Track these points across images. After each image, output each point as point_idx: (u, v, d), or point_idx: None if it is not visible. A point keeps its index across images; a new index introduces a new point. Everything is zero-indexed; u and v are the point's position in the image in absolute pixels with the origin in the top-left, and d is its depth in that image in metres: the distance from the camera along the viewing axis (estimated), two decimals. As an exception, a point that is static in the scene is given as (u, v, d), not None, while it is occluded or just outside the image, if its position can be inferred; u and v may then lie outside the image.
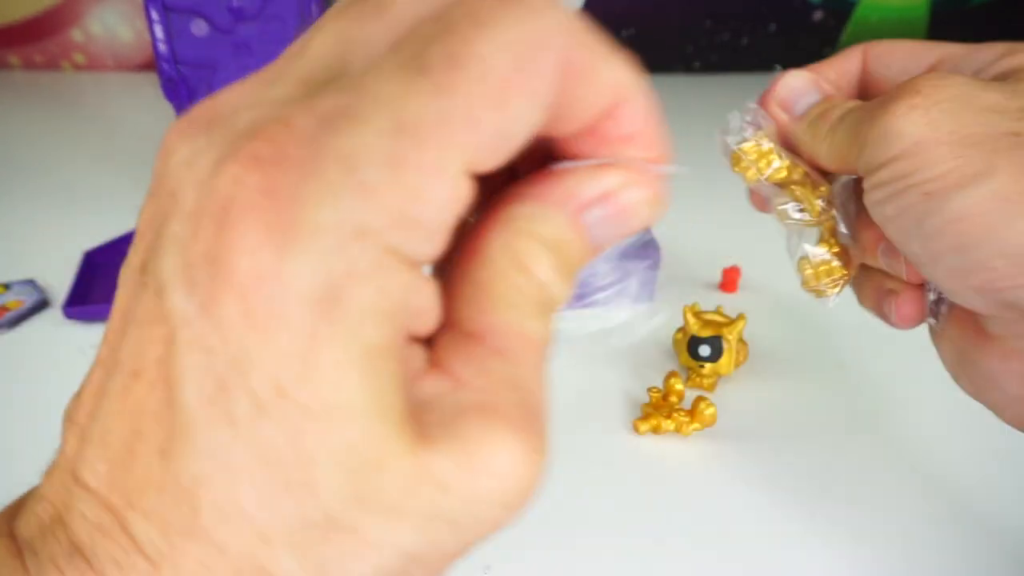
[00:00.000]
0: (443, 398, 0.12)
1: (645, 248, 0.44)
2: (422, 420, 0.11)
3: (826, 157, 0.23)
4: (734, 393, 0.37)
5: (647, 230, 0.46)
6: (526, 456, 0.13)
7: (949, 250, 0.19)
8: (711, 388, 0.37)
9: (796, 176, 0.25)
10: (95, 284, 0.47)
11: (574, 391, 0.37)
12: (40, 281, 0.47)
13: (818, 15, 1.03)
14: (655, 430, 0.34)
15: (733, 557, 0.28)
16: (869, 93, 0.25)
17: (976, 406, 0.23)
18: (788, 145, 0.25)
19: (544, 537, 0.29)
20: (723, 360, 0.37)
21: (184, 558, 0.11)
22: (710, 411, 0.33)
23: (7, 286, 0.46)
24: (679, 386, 0.35)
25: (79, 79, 0.99)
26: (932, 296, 0.24)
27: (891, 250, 0.23)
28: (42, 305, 0.45)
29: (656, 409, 0.35)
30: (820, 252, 0.26)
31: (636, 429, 0.34)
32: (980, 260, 0.19)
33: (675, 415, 0.34)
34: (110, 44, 1.01)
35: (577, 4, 1.03)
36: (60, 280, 0.47)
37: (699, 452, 0.33)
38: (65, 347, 0.41)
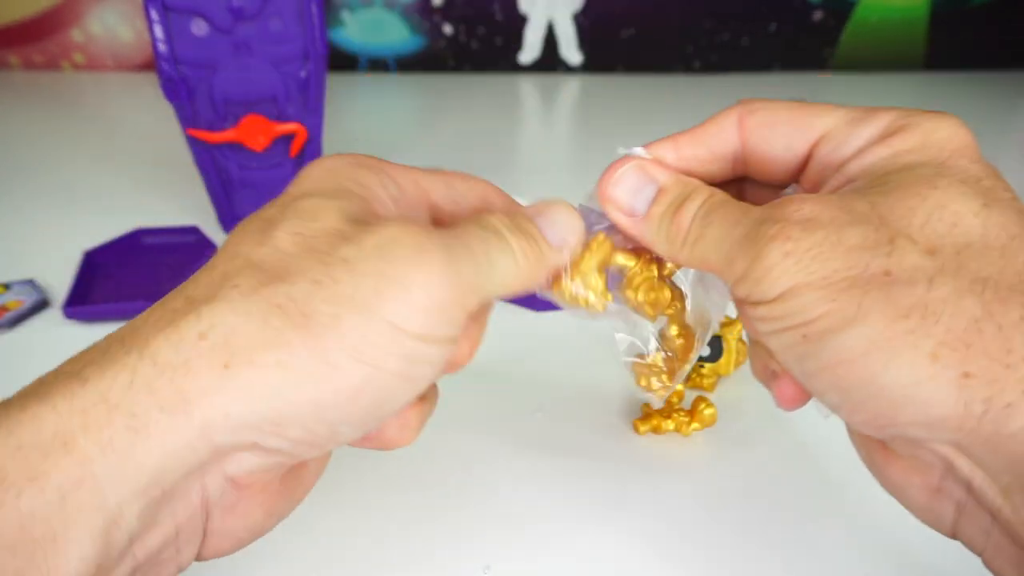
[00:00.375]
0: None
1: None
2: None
3: (691, 264, 0.23)
4: (734, 393, 0.37)
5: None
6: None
7: (830, 389, 0.19)
8: (711, 388, 0.37)
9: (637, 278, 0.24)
10: (95, 284, 0.47)
11: (574, 391, 0.37)
12: (40, 281, 0.47)
13: (818, 15, 1.03)
14: (655, 430, 0.34)
15: (733, 557, 0.28)
16: (749, 170, 0.24)
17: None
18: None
19: (544, 537, 0.29)
20: (723, 360, 0.37)
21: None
22: (709, 411, 0.33)
23: (7, 286, 0.46)
24: (679, 386, 0.35)
25: (79, 79, 0.99)
26: None
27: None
28: (42, 305, 0.45)
29: (656, 409, 0.35)
30: (653, 353, 0.25)
31: (636, 429, 0.34)
32: (860, 401, 0.19)
33: (675, 415, 0.34)
34: (110, 44, 1.01)
35: (577, 4, 1.03)
36: (60, 280, 0.47)
37: (699, 452, 0.33)
38: (65, 347, 0.41)
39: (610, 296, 0.24)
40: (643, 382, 0.26)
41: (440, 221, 0.24)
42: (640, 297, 0.24)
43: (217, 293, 0.18)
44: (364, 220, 0.20)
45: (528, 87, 1.00)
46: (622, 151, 0.24)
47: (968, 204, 0.20)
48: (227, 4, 0.46)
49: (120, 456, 0.17)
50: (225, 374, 0.17)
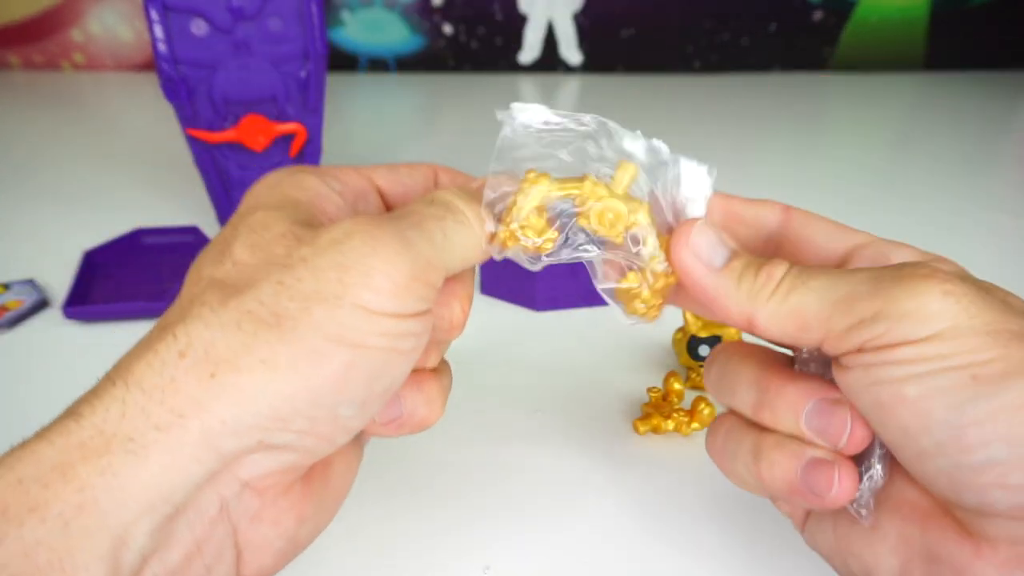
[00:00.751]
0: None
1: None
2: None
3: (772, 319, 0.21)
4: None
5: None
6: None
7: (997, 438, 0.18)
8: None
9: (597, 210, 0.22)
10: (95, 284, 0.47)
11: (574, 391, 0.37)
12: (40, 281, 0.47)
13: (818, 15, 1.03)
14: (655, 430, 0.34)
15: (733, 557, 0.28)
16: (782, 251, 0.24)
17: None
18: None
19: (544, 537, 0.29)
20: (723, 360, 0.37)
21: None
22: (709, 411, 0.34)
23: (7, 286, 0.46)
24: (678, 386, 0.35)
25: (79, 79, 0.99)
26: (865, 484, 0.21)
27: (834, 410, 0.21)
28: (42, 305, 0.45)
29: (656, 409, 0.35)
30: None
31: (636, 429, 0.34)
32: (1017, 460, 0.18)
33: (675, 415, 0.34)
34: (110, 44, 1.01)
35: (577, 4, 1.03)
36: (60, 280, 0.47)
37: (699, 452, 0.33)
38: (65, 347, 0.41)
39: (555, 233, 0.23)
40: (630, 308, 0.24)
41: (390, 206, 0.25)
42: (594, 222, 0.23)
43: (188, 314, 0.19)
44: (314, 222, 0.21)
45: (528, 87, 1.00)
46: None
47: None
48: (227, 4, 0.46)
49: (120, 479, 0.17)
50: (213, 383, 0.18)
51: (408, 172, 0.25)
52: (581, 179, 0.23)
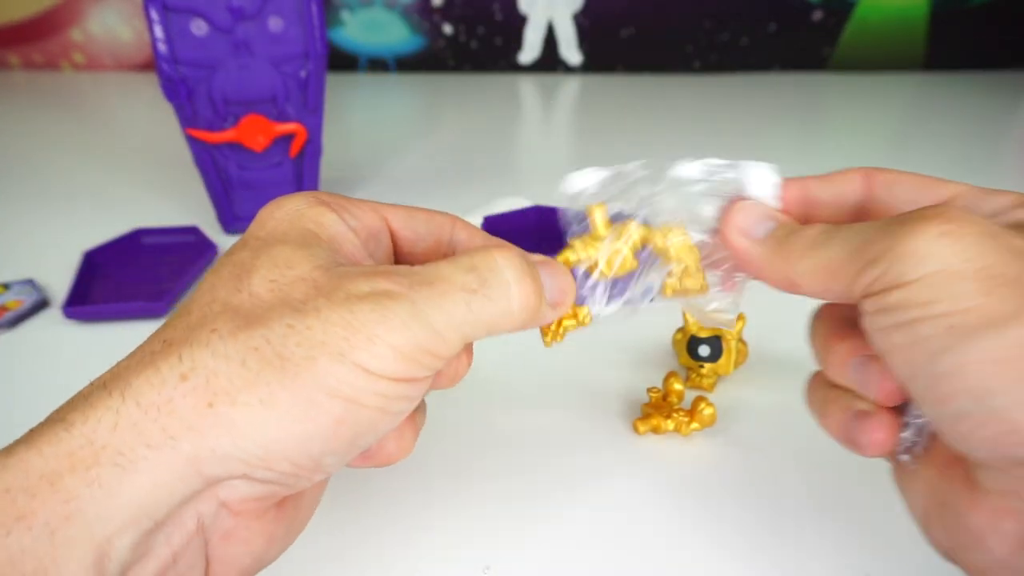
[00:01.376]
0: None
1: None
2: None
3: (806, 274, 0.22)
4: (734, 393, 0.37)
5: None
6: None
7: (965, 392, 0.17)
8: (711, 388, 0.37)
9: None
10: (95, 284, 0.47)
11: (573, 391, 0.37)
12: (40, 281, 0.47)
13: (818, 15, 1.03)
14: (655, 430, 0.34)
15: (733, 556, 0.28)
16: (871, 217, 0.24)
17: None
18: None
19: (544, 537, 0.29)
20: (723, 360, 0.37)
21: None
22: (709, 411, 0.33)
23: (7, 286, 0.46)
24: (678, 386, 0.35)
25: (79, 79, 0.99)
26: (909, 431, 0.22)
27: (867, 365, 0.22)
28: (42, 305, 0.45)
29: (656, 409, 0.35)
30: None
31: (636, 429, 0.34)
32: (1001, 409, 0.17)
33: (675, 415, 0.34)
34: (110, 44, 1.01)
35: (577, 4, 1.03)
36: (60, 280, 0.47)
37: (699, 452, 0.33)
38: (65, 347, 0.41)
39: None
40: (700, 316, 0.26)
41: (400, 251, 0.25)
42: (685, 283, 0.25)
43: (196, 336, 0.19)
44: (333, 265, 0.21)
45: (528, 87, 1.00)
46: (771, 177, 0.25)
47: None
48: (227, 4, 0.46)
49: (107, 492, 0.17)
50: (209, 412, 0.18)
51: (426, 219, 0.25)
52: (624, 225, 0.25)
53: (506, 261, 0.21)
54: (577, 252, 0.25)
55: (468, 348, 0.24)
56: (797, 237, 0.22)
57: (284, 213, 0.22)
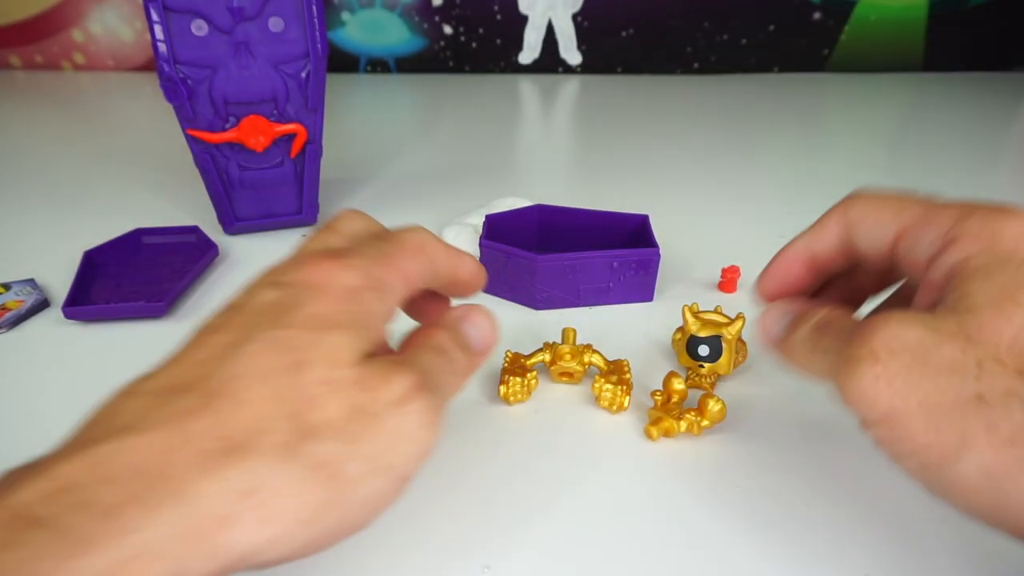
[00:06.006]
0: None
1: (644, 248, 0.44)
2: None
3: (815, 375, 0.24)
4: (733, 393, 0.37)
5: (647, 229, 0.46)
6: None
7: (962, 506, 0.20)
8: (710, 388, 0.37)
9: None
10: (95, 284, 0.47)
11: (573, 390, 0.37)
12: (40, 281, 0.47)
13: (817, 15, 1.03)
14: (667, 433, 0.33)
15: (734, 556, 0.28)
16: (860, 259, 0.27)
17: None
18: None
19: (544, 537, 0.29)
20: (722, 360, 0.37)
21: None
22: (718, 407, 0.33)
23: (7, 286, 0.46)
24: (680, 385, 0.35)
25: (79, 79, 0.99)
26: None
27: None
28: (42, 305, 0.45)
29: (665, 411, 0.34)
30: None
31: (649, 435, 0.33)
32: (998, 519, 0.19)
33: (686, 416, 0.33)
34: (110, 44, 1.01)
35: (577, 5, 1.03)
36: (60, 280, 0.48)
37: (701, 450, 0.33)
38: (65, 347, 0.41)
39: None
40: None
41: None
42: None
43: (256, 444, 0.19)
44: (373, 352, 0.22)
45: (528, 87, 1.00)
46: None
47: None
48: (227, 4, 0.46)
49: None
50: (260, 528, 0.18)
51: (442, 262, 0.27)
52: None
53: (445, 340, 0.25)
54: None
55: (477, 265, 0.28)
56: (790, 343, 0.25)
57: (341, 289, 0.22)
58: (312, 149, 0.52)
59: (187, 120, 0.48)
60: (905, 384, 0.19)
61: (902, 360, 0.20)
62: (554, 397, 0.37)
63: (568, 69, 1.06)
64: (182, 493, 0.18)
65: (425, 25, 1.01)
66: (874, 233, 0.25)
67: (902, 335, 0.20)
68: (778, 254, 0.29)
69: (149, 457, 0.18)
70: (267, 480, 0.19)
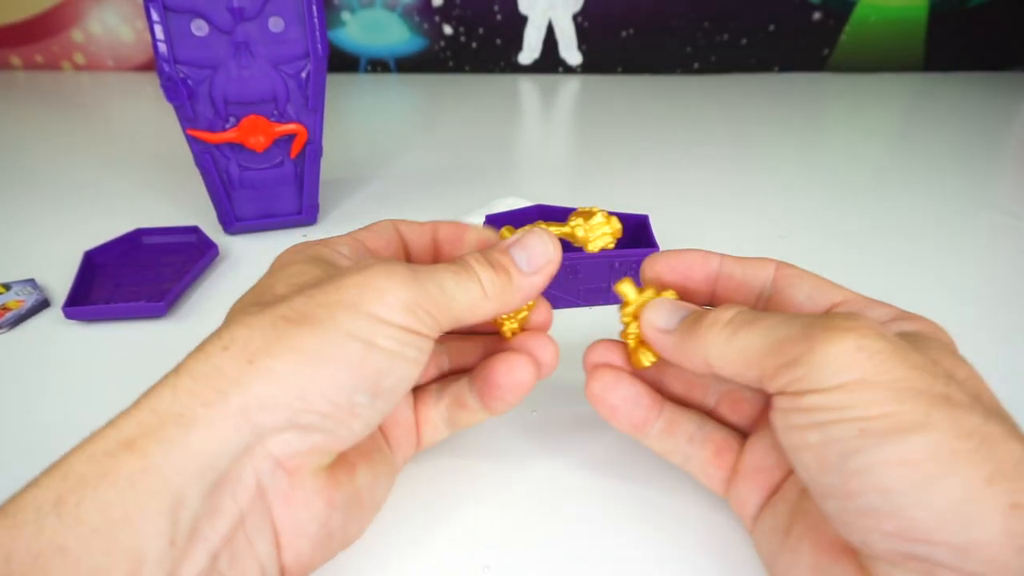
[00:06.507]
0: None
1: (644, 248, 0.44)
2: None
3: (720, 359, 0.24)
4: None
5: (647, 229, 0.46)
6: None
7: (872, 490, 0.19)
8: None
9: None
10: (95, 284, 0.47)
11: (572, 390, 0.37)
12: (40, 281, 0.47)
13: (817, 15, 1.03)
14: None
15: (736, 555, 0.28)
16: (771, 305, 0.27)
17: (1002, 384, 0.22)
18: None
19: (544, 537, 0.29)
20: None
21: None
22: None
23: (7, 286, 0.46)
24: (632, 294, 0.33)
25: (79, 79, 0.99)
26: None
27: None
28: (42, 305, 0.45)
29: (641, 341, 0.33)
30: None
31: (639, 363, 0.33)
32: (902, 507, 0.19)
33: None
34: (110, 44, 1.01)
35: (577, 5, 1.03)
36: (60, 280, 0.48)
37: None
38: (65, 347, 0.41)
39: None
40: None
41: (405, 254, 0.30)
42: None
43: (232, 322, 0.22)
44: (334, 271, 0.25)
45: (528, 87, 1.00)
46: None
47: (985, 388, 0.21)
48: (227, 4, 0.46)
49: (175, 447, 0.20)
50: (250, 367, 0.21)
51: (416, 226, 0.30)
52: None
53: (471, 255, 0.26)
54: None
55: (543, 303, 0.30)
56: (711, 319, 0.24)
57: (287, 254, 0.27)
58: (312, 149, 0.52)
59: (187, 120, 0.48)
60: (885, 362, 0.20)
61: (882, 345, 0.20)
62: (555, 397, 0.37)
63: (568, 69, 1.06)
64: (176, 371, 0.22)
65: (425, 25, 1.01)
66: (815, 293, 0.26)
67: (882, 329, 0.21)
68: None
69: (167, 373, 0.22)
70: (239, 333, 0.22)
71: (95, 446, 0.20)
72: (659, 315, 0.27)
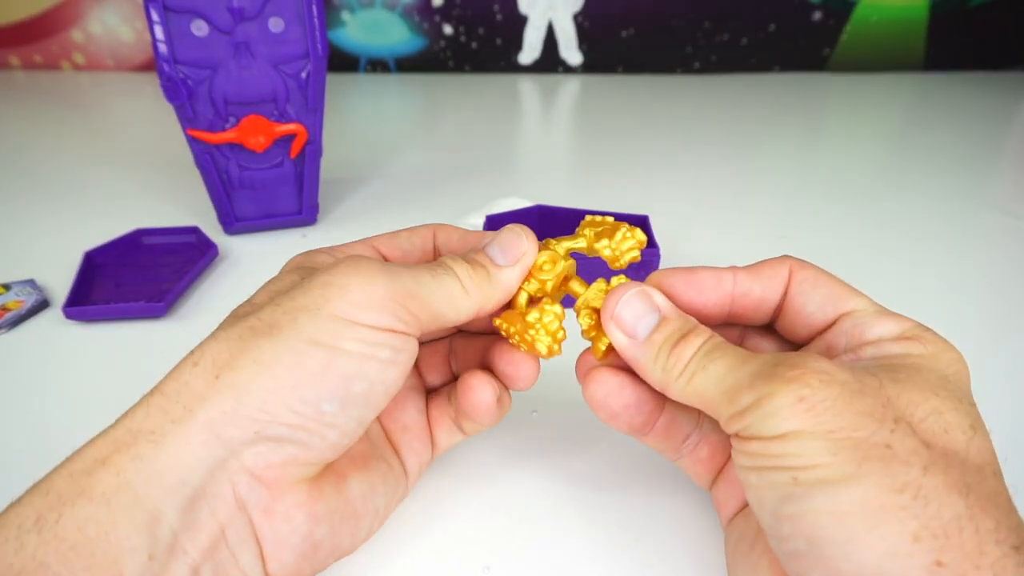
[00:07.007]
0: None
1: (644, 249, 0.44)
2: None
3: (679, 393, 0.24)
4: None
5: (647, 229, 0.46)
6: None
7: (801, 535, 0.20)
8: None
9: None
10: (95, 284, 0.47)
11: (571, 390, 0.37)
12: (40, 281, 0.47)
13: (818, 15, 1.03)
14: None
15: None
16: (784, 312, 0.26)
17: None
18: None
19: (544, 537, 0.29)
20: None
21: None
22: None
23: (7, 286, 0.46)
24: (581, 289, 0.33)
25: (79, 79, 0.99)
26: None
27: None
28: (42, 305, 0.45)
29: (599, 330, 0.33)
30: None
31: (596, 352, 0.32)
32: (829, 556, 0.19)
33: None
34: (110, 44, 1.01)
35: (577, 4, 1.03)
36: (60, 280, 0.48)
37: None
38: (65, 347, 0.41)
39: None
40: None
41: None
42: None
43: (209, 336, 0.23)
44: None
45: (528, 87, 1.00)
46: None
47: (960, 421, 0.21)
48: (227, 4, 0.46)
49: (147, 463, 0.20)
50: (216, 382, 0.21)
51: (407, 236, 0.29)
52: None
53: (448, 256, 0.26)
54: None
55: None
56: (674, 357, 0.24)
57: (290, 264, 0.27)
58: (312, 149, 0.52)
59: (187, 120, 0.48)
60: (824, 413, 0.20)
61: (829, 391, 0.20)
62: (554, 398, 0.37)
63: (568, 69, 1.06)
64: (151, 390, 0.22)
65: (425, 25, 1.01)
66: (826, 301, 0.25)
67: (833, 372, 0.21)
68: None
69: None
70: (208, 348, 0.22)
71: (74, 464, 0.20)
72: (631, 315, 0.25)
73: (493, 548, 0.28)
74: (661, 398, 0.27)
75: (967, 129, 0.83)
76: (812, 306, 0.25)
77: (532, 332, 0.26)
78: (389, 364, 0.23)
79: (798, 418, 0.20)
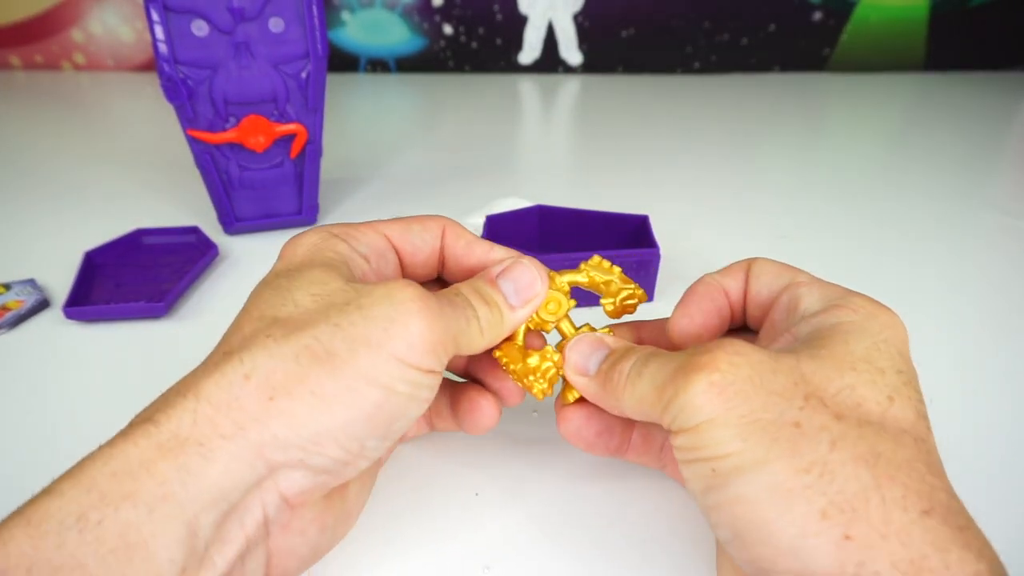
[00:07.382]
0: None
1: (644, 249, 0.44)
2: None
3: (628, 407, 0.25)
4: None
5: (647, 229, 0.46)
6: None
7: (725, 524, 0.21)
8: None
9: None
10: (95, 284, 0.47)
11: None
12: (40, 281, 0.47)
13: (818, 15, 1.03)
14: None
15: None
16: (748, 304, 0.28)
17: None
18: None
19: (544, 537, 0.29)
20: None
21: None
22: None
23: (7, 286, 0.46)
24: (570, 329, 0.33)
25: (79, 79, 0.99)
26: None
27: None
28: (42, 305, 0.45)
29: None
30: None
31: (565, 399, 0.33)
32: (748, 542, 0.20)
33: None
34: (110, 44, 1.01)
35: (577, 4, 1.03)
36: (60, 280, 0.48)
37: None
38: (65, 347, 0.41)
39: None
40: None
41: (404, 262, 0.29)
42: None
43: (253, 342, 0.22)
44: (355, 281, 0.25)
45: (528, 87, 1.00)
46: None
47: (875, 395, 0.21)
48: (227, 4, 0.46)
49: (194, 476, 0.20)
50: (270, 405, 0.21)
51: (420, 230, 0.29)
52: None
53: (470, 293, 0.26)
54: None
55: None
56: (616, 375, 0.25)
57: (304, 248, 0.26)
58: (312, 149, 0.52)
59: (187, 120, 0.48)
60: (735, 396, 0.21)
61: (739, 373, 0.21)
62: (551, 397, 0.37)
63: (568, 69, 1.06)
64: (194, 394, 0.21)
65: (425, 25, 1.01)
66: (772, 281, 0.26)
67: (745, 353, 0.21)
68: (692, 288, 0.28)
69: (177, 385, 0.22)
70: (262, 363, 0.21)
71: (116, 462, 0.20)
72: (580, 357, 0.27)
73: (493, 548, 0.28)
74: (628, 419, 0.29)
75: (967, 129, 0.83)
76: (763, 290, 0.27)
77: (531, 377, 0.28)
78: (424, 403, 0.24)
79: (710, 405, 0.21)
